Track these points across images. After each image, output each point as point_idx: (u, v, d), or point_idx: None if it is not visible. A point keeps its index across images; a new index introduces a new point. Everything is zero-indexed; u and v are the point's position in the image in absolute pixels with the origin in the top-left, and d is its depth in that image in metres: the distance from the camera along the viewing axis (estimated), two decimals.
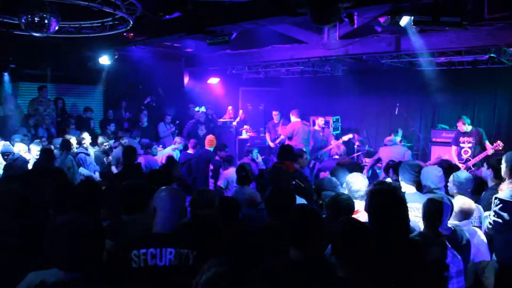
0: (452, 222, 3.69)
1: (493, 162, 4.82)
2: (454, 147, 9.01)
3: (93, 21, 7.36)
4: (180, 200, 2.89)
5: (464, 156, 8.75)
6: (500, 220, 4.06)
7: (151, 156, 8.34)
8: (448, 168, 5.26)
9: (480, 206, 4.48)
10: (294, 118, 10.43)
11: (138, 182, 3.63)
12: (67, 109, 11.49)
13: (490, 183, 4.82)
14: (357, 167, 5.90)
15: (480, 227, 4.27)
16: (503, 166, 4.35)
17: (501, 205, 4.07)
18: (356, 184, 4.20)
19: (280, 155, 6.12)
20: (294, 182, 5.19)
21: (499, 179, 4.58)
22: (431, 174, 4.50)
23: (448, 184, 4.62)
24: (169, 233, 2.76)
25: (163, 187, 2.97)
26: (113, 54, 9.23)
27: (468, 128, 8.79)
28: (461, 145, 8.85)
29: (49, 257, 2.22)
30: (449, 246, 3.24)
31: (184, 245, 2.71)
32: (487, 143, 8.61)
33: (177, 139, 9.96)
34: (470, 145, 8.74)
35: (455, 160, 8.56)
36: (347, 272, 2.45)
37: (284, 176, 5.09)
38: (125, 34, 7.81)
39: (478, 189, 4.94)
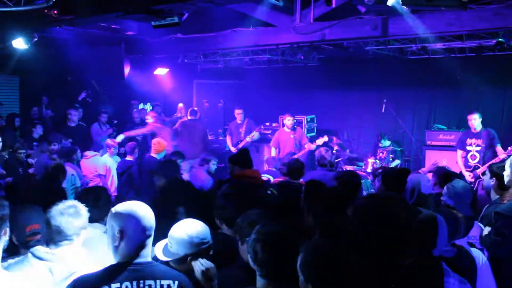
0: None
1: (496, 170, 4.83)
2: (459, 152, 9.05)
3: None
4: (150, 222, 2.87)
5: (472, 162, 8.78)
6: (500, 239, 4.08)
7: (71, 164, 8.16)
8: (444, 176, 5.34)
9: (481, 224, 4.50)
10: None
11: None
12: None
13: (494, 196, 4.85)
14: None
15: (483, 250, 4.29)
16: (507, 172, 4.35)
17: (501, 221, 4.08)
18: None
19: (241, 162, 6.12)
20: (269, 192, 5.23)
21: (504, 190, 4.60)
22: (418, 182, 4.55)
23: (442, 197, 4.65)
24: (144, 262, 2.81)
25: (129, 203, 2.93)
26: (31, 36, 8.96)
27: (479, 126, 8.84)
28: (468, 148, 8.89)
29: None
30: (451, 271, 3.20)
31: (164, 276, 2.81)
32: (498, 147, 8.68)
33: (109, 141, 9.73)
34: (479, 148, 8.76)
35: (461, 168, 8.60)
36: None
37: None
38: (46, 11, 7.58)
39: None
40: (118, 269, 2.76)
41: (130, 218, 2.81)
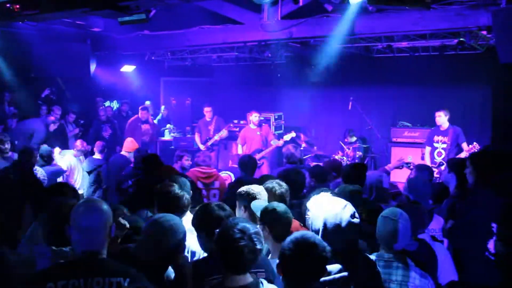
0: None
1: (456, 166, 4.94)
2: (428, 148, 9.23)
3: None
4: (103, 215, 2.80)
5: (438, 159, 8.98)
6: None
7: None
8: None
9: (440, 217, 4.60)
10: None
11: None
12: None
13: (453, 190, 4.94)
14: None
15: (442, 241, 4.40)
16: (469, 169, 4.47)
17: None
18: None
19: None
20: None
21: (463, 185, 4.71)
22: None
23: (403, 191, 4.75)
24: (93, 258, 2.72)
25: (83, 200, 2.96)
26: None
27: (445, 124, 9.04)
28: (435, 145, 9.09)
29: None
30: (413, 265, 3.31)
31: (114, 273, 2.68)
32: (464, 144, 8.84)
33: (78, 142, 9.62)
34: (444, 145, 8.97)
35: (428, 164, 8.77)
36: None
37: None
38: (8, 5, 7.44)
39: (440, 197, 5.08)
40: (65, 266, 2.72)
41: (76, 212, 2.78)
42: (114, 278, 2.66)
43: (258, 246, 2.76)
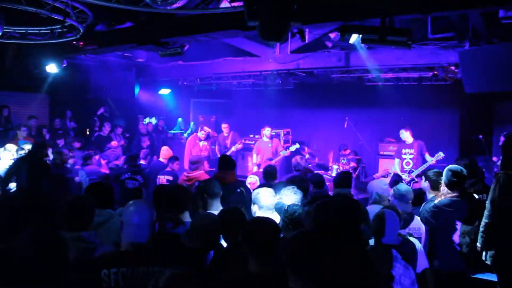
0: None
1: (430, 175, 5.04)
2: (397, 160, 9.28)
3: (40, 28, 7.22)
4: (148, 214, 2.82)
5: (407, 168, 9.02)
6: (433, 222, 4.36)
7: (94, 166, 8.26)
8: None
9: (418, 218, 4.69)
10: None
11: (85, 196, 3.59)
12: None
13: (429, 195, 5.01)
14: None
15: (419, 238, 4.50)
16: (443, 181, 4.58)
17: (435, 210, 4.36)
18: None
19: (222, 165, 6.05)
20: (238, 190, 5.23)
21: (436, 190, 4.80)
22: (377, 186, 4.74)
23: (389, 197, 4.84)
24: (139, 250, 2.71)
25: (132, 201, 2.91)
26: (61, 62, 8.99)
27: (410, 139, 9.14)
28: (403, 156, 9.14)
29: None
30: (399, 257, 3.33)
31: (156, 262, 2.68)
32: (426, 154, 8.95)
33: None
34: (412, 156, 9.04)
35: (398, 172, 8.87)
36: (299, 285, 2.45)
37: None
38: (74, 42, 7.67)
39: (418, 200, 5.17)
40: (117, 256, 2.69)
41: (127, 210, 2.81)
42: (156, 267, 2.64)
43: (276, 236, 2.79)
